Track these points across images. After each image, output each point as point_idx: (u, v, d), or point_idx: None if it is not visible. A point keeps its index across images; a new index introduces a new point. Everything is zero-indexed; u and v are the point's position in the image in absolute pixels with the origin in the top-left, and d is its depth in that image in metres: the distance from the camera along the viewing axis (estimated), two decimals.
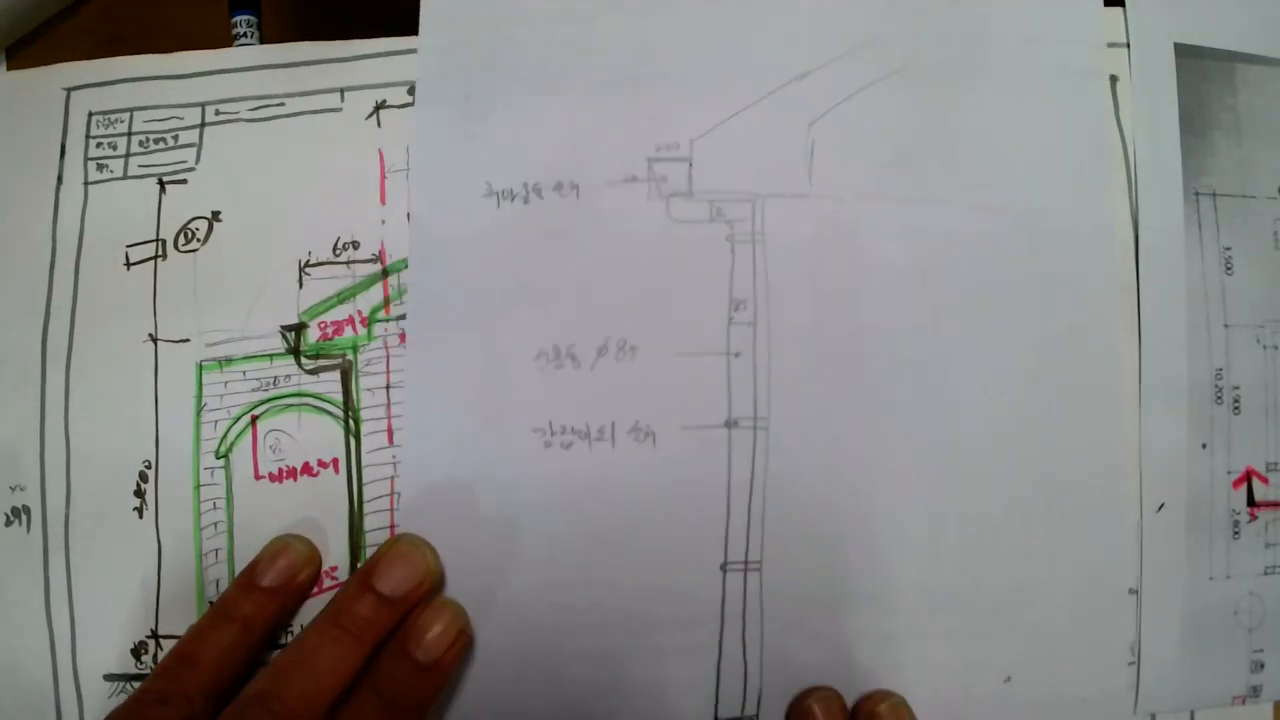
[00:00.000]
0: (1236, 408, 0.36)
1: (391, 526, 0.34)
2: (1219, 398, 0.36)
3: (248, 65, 0.36)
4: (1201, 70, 0.36)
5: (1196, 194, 0.36)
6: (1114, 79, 0.36)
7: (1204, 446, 0.35)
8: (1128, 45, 0.36)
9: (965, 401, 0.35)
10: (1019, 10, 0.36)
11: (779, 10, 0.36)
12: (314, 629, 0.31)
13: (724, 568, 0.34)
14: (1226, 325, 0.36)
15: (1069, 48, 0.36)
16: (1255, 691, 0.36)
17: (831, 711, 0.33)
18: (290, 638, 0.34)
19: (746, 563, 0.34)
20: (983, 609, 0.34)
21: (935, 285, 0.35)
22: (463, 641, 0.32)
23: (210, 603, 0.34)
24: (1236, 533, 0.36)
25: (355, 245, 0.35)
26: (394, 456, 0.34)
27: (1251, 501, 0.36)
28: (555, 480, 0.34)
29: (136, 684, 0.34)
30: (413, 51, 0.36)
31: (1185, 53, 0.36)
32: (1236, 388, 0.36)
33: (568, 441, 0.34)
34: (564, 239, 0.35)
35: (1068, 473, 0.35)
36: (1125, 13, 0.36)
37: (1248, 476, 0.36)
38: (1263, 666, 0.36)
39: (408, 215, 0.35)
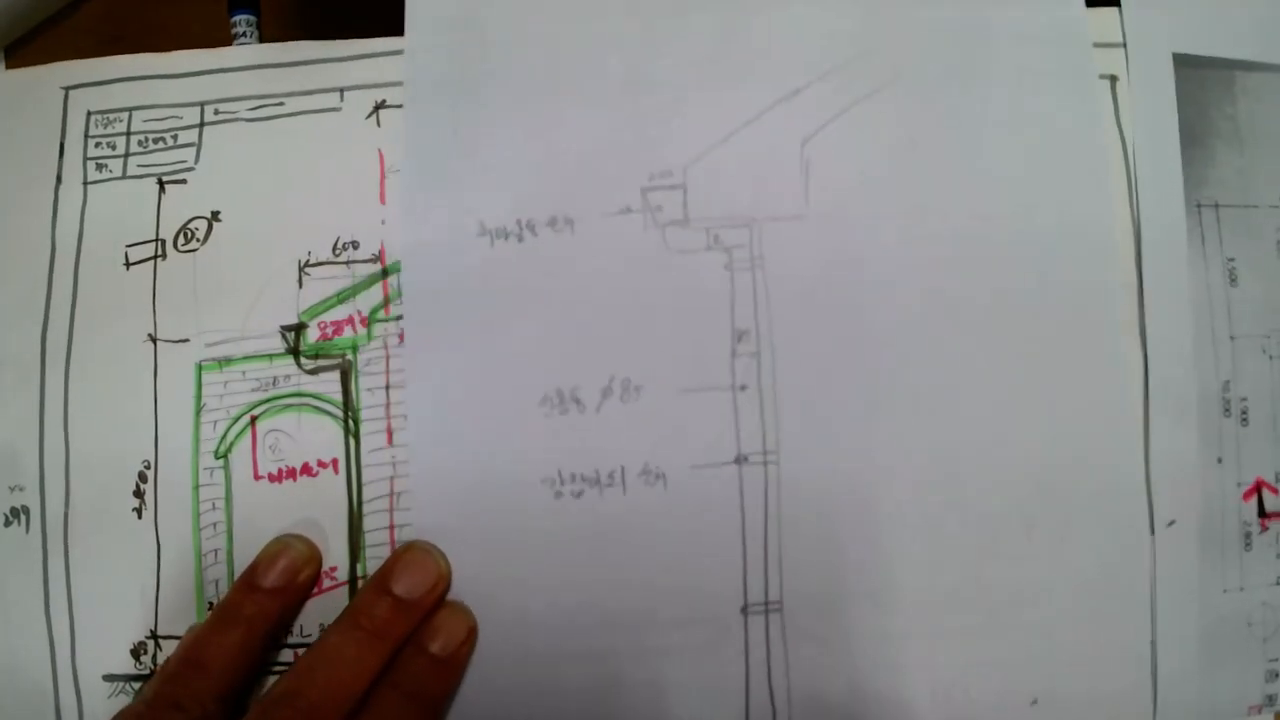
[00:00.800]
0: (1245, 419, 0.35)
1: (391, 526, 0.34)
2: (1227, 410, 0.35)
3: (247, 64, 0.36)
4: (1200, 79, 0.36)
5: (1199, 206, 0.35)
6: (1114, 79, 0.35)
7: (1220, 461, 0.35)
8: (1125, 46, 0.35)
9: (970, 409, 0.34)
10: (1005, 15, 0.35)
11: (766, 28, 0.35)
12: (334, 630, 0.32)
13: (745, 611, 0.34)
14: (1232, 337, 0.35)
15: (1057, 48, 0.35)
16: (1271, 700, 0.36)
17: None
18: (291, 639, 0.34)
19: (767, 604, 0.33)
20: (986, 610, 0.34)
21: (938, 296, 0.34)
22: (473, 638, 0.33)
23: (210, 603, 0.34)
24: (1248, 544, 0.35)
25: (355, 245, 0.35)
26: (393, 457, 0.34)
27: (1262, 512, 0.35)
28: (569, 531, 0.34)
29: (136, 684, 0.34)
30: None
31: (1184, 62, 0.36)
32: (1244, 399, 0.35)
33: (578, 490, 0.34)
34: (561, 278, 0.35)
35: (1073, 476, 0.34)
36: (1122, 23, 0.35)
37: (1258, 488, 0.35)
38: (1277, 676, 0.35)
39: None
